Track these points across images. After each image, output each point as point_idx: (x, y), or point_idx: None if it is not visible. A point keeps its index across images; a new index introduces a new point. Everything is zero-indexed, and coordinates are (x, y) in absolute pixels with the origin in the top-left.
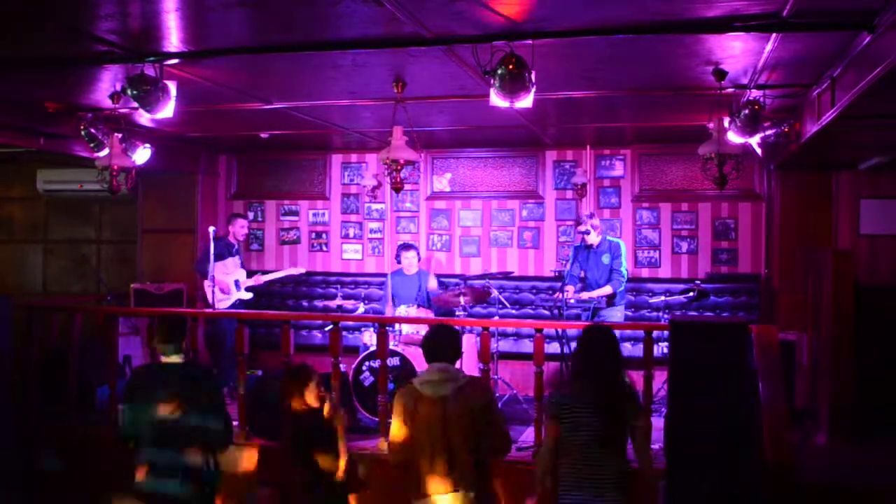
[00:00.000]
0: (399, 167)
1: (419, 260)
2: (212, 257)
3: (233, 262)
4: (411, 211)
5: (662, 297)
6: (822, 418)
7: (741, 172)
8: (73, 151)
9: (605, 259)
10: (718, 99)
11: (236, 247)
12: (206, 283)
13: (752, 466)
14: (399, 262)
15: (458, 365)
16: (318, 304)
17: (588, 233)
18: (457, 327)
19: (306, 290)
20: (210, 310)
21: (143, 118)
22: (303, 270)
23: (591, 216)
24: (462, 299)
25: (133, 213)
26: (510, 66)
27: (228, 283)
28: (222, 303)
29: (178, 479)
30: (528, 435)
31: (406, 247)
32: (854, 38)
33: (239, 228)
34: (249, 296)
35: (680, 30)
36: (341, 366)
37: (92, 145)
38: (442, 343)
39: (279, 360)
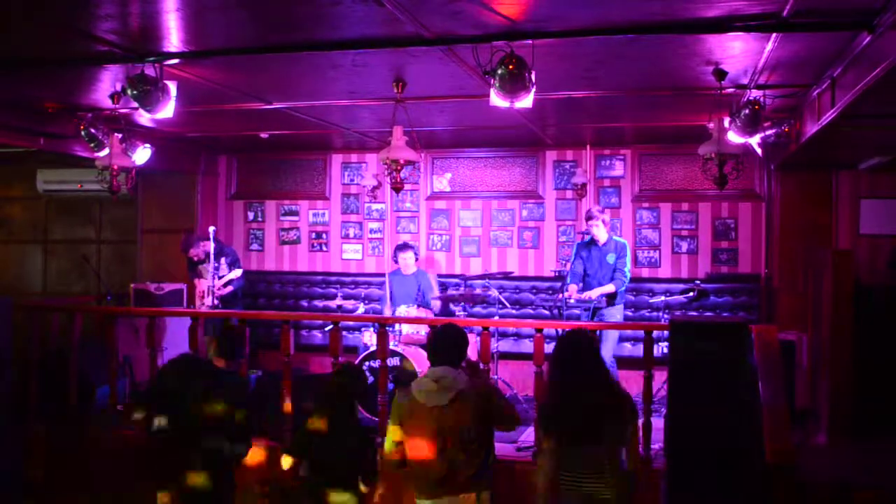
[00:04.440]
0: (399, 167)
1: (416, 260)
2: (212, 258)
3: (205, 269)
4: (411, 211)
5: (662, 297)
6: (822, 418)
7: (741, 172)
8: (73, 151)
9: (610, 258)
10: (718, 99)
11: (199, 259)
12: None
13: (753, 466)
14: (396, 263)
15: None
16: (318, 304)
17: (597, 228)
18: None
19: (306, 291)
20: (209, 310)
21: (143, 118)
22: (239, 273)
23: (602, 211)
24: (461, 300)
25: (133, 213)
26: (510, 66)
27: (203, 290)
28: (201, 308)
29: None
30: (528, 435)
31: (403, 247)
32: (854, 38)
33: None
34: (215, 302)
35: (680, 30)
36: None
37: (92, 145)
38: (446, 344)
39: (280, 360)
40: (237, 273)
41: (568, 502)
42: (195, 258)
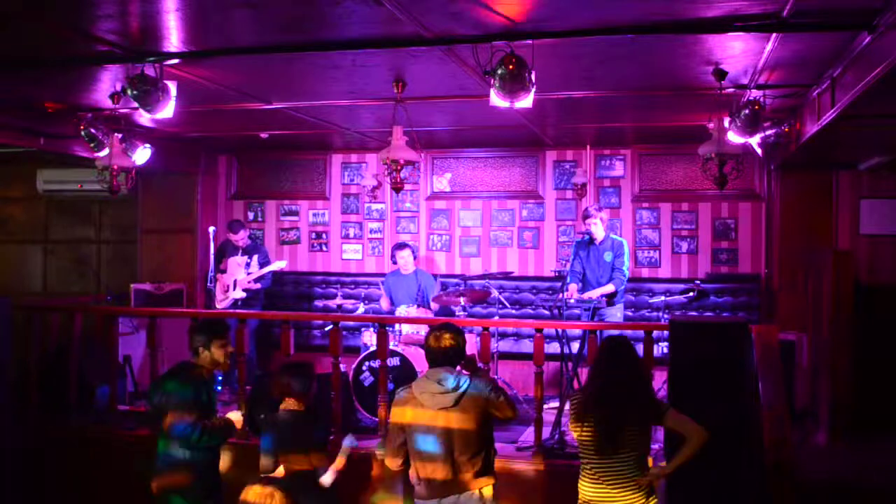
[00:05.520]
0: (399, 167)
1: (415, 259)
2: (212, 258)
3: (235, 262)
4: (411, 211)
5: (662, 297)
6: (822, 418)
7: (741, 172)
8: (73, 151)
9: (608, 257)
10: (718, 99)
11: (241, 248)
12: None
13: (752, 466)
14: (395, 263)
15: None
16: (319, 304)
17: (594, 226)
18: (460, 327)
19: (306, 290)
20: (208, 310)
21: (143, 118)
22: (283, 265)
23: (600, 209)
24: (462, 300)
25: (133, 214)
26: (510, 67)
27: (229, 284)
28: (223, 302)
29: None
30: (528, 435)
31: (400, 246)
32: (854, 38)
33: (232, 236)
34: (242, 295)
35: (680, 30)
36: (341, 366)
37: (92, 145)
38: (445, 344)
39: (280, 359)
40: (281, 265)
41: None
42: (238, 242)
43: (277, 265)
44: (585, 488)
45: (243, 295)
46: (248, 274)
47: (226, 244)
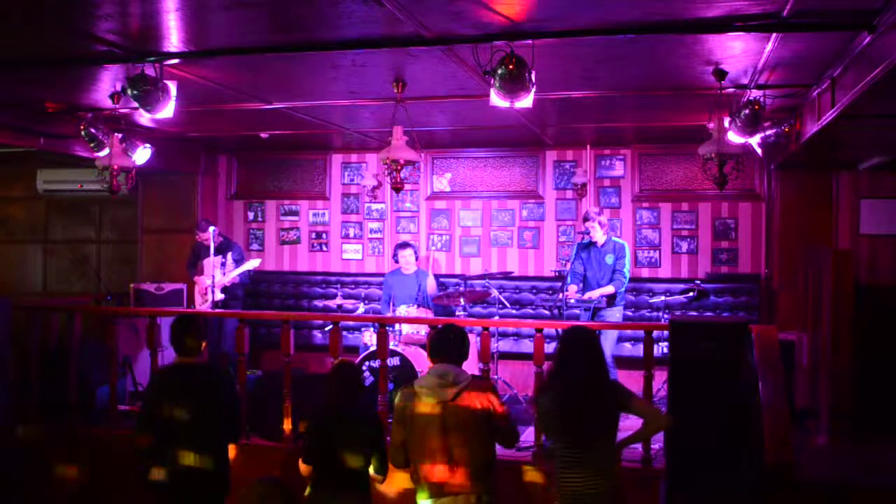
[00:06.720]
0: (399, 167)
1: (417, 259)
2: (211, 250)
3: (210, 263)
4: (411, 211)
5: (662, 297)
6: (822, 418)
7: (741, 172)
8: (73, 151)
9: (609, 259)
10: (718, 99)
11: (210, 249)
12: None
13: (752, 466)
14: (396, 262)
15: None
16: (319, 303)
17: (593, 230)
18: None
19: (306, 290)
20: (211, 310)
21: (144, 118)
22: (257, 263)
23: (600, 213)
24: (461, 300)
25: (133, 214)
26: (510, 66)
27: (207, 286)
28: (202, 306)
29: None
30: (528, 435)
31: (403, 245)
32: (854, 37)
33: (200, 235)
34: (220, 296)
35: (680, 30)
36: None
37: (92, 145)
38: (448, 344)
39: (280, 360)
40: (255, 263)
41: (564, 499)
42: (207, 242)
43: (252, 264)
44: (568, 480)
45: (223, 296)
46: (225, 274)
47: (198, 247)
